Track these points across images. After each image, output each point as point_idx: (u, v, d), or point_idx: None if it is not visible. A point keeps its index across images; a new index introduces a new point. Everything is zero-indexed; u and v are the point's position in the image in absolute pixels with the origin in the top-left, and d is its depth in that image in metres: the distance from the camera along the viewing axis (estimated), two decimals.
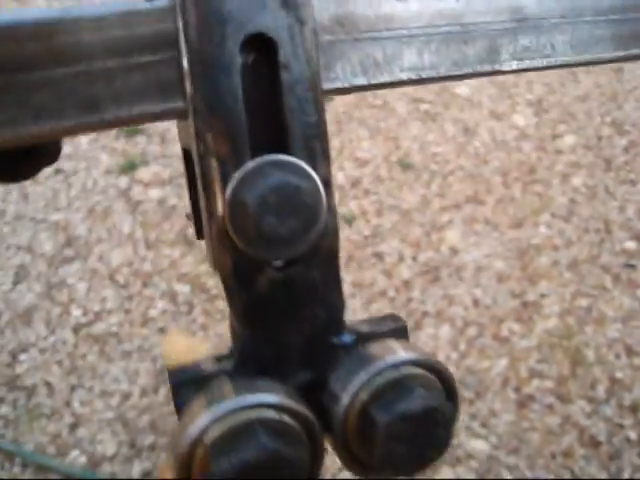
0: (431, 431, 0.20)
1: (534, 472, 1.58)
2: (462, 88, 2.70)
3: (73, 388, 1.71)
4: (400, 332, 0.23)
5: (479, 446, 1.61)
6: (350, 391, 0.21)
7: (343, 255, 2.00)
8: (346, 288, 1.69)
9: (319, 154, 0.21)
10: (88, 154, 2.37)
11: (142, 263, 1.97)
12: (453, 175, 2.32)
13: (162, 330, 1.80)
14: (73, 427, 1.63)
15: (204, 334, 1.79)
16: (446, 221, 2.15)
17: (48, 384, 1.72)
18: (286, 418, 0.20)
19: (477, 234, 2.11)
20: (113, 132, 2.46)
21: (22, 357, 1.79)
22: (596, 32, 0.24)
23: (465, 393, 1.70)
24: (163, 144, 2.40)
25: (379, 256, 2.01)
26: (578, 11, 0.24)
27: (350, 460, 0.22)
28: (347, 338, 0.23)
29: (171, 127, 2.44)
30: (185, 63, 0.19)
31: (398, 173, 2.31)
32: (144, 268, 1.95)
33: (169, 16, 0.19)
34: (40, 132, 0.19)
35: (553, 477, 1.58)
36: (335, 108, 2.57)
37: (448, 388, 0.22)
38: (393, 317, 0.24)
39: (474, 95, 2.67)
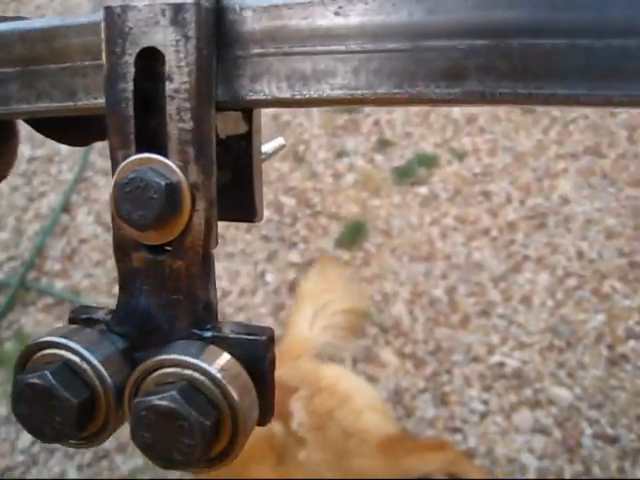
0: (175, 434, 0.20)
1: (615, 430, 1.56)
2: None
3: None
4: (253, 345, 0.23)
5: (562, 394, 1.60)
6: (141, 369, 0.22)
7: (450, 189, 1.99)
8: (449, 222, 1.69)
9: (191, 158, 0.22)
10: None
11: None
12: (575, 123, 2.21)
13: (265, 238, 1.88)
14: None
15: (305, 247, 1.85)
16: (561, 169, 2.07)
17: None
18: (85, 368, 0.22)
19: (592, 187, 2.03)
20: None
21: None
22: None
23: (556, 341, 1.69)
24: None
25: (486, 195, 1.98)
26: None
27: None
28: (207, 333, 0.23)
29: None
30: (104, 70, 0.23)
31: (517, 115, 2.23)
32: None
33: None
34: (38, 110, 0.25)
35: (634, 437, 1.56)
36: None
37: (233, 416, 0.21)
38: (264, 330, 0.24)
39: None
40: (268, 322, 1.72)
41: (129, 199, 0.21)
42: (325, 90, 0.22)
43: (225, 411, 0.21)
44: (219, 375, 0.21)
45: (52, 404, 0.21)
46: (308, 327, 1.50)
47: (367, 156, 2.09)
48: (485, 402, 1.59)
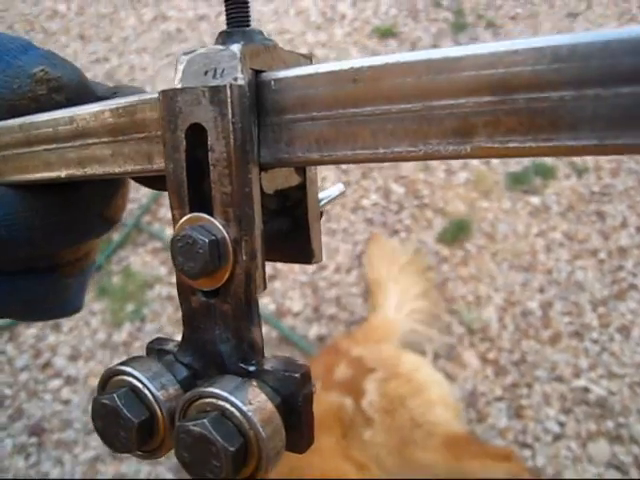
0: (205, 457, 0.23)
1: None
2: None
3: None
4: (289, 381, 0.25)
5: None
6: (186, 397, 0.25)
7: (563, 203, 1.93)
8: (556, 236, 1.64)
9: (232, 217, 0.25)
10: (340, 45, 2.48)
11: None
12: None
13: (369, 221, 1.91)
14: (271, 278, 1.83)
15: (406, 236, 1.86)
16: None
17: None
18: (146, 394, 0.26)
19: None
20: (367, 30, 2.53)
21: None
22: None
23: None
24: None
25: (601, 215, 1.90)
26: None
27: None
28: (252, 368, 0.26)
29: (423, 36, 2.45)
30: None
31: None
32: None
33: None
34: (125, 172, 0.28)
35: None
36: None
37: (259, 445, 0.24)
38: (301, 367, 0.26)
39: None
40: (357, 302, 1.75)
41: (181, 253, 0.25)
42: (348, 151, 0.24)
43: (252, 439, 0.24)
44: (245, 408, 0.24)
45: (119, 421, 0.25)
46: (394, 311, 1.52)
47: None
48: (562, 424, 1.54)
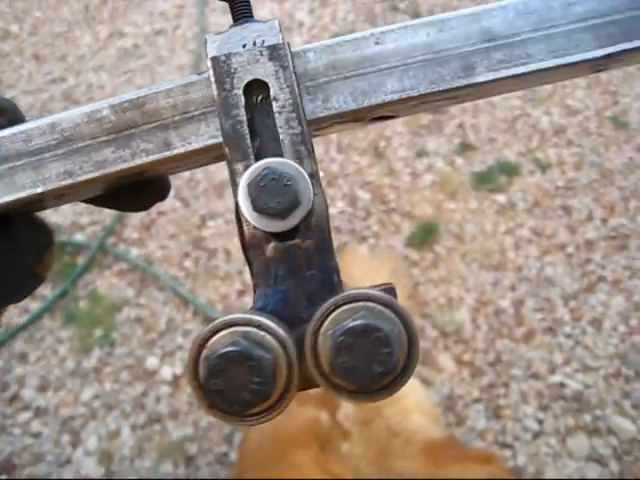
0: (374, 348, 0.23)
1: None
2: None
3: None
4: (387, 290, 0.26)
5: (625, 425, 1.54)
6: (318, 315, 0.25)
7: (529, 199, 1.94)
8: (524, 233, 1.65)
9: (304, 155, 0.27)
10: None
11: (331, 164, 2.05)
12: None
13: (336, 229, 1.89)
14: (240, 293, 1.80)
15: (375, 242, 1.85)
16: None
17: (227, 252, 1.90)
18: (263, 335, 0.25)
19: None
20: (326, 36, 2.53)
21: (210, 223, 1.98)
22: (575, 36, 0.28)
23: (623, 369, 1.61)
24: None
25: (567, 210, 1.91)
26: (550, 22, 0.28)
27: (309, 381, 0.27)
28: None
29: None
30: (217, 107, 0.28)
31: (609, 130, 2.14)
32: (332, 168, 2.04)
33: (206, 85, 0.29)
34: (135, 166, 0.29)
35: None
36: None
37: (407, 330, 0.25)
38: (387, 285, 0.27)
39: None
40: None
41: (265, 191, 0.26)
42: (380, 96, 0.29)
43: (400, 327, 0.25)
44: (387, 297, 0.25)
45: (250, 366, 0.24)
46: None
47: (447, 158, 2.06)
48: (540, 421, 1.54)
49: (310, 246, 0.27)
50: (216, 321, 0.25)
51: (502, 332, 1.67)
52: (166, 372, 1.69)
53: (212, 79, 0.28)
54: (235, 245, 1.91)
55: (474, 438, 1.52)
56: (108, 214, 2.04)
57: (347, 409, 1.28)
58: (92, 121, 0.28)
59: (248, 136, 0.27)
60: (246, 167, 0.27)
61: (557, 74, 0.30)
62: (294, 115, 0.28)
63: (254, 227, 0.27)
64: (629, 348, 1.65)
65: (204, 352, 0.25)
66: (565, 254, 1.82)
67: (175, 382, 1.67)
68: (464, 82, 0.28)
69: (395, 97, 0.28)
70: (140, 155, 0.28)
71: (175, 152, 0.28)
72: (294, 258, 0.27)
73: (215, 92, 0.28)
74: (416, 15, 2.59)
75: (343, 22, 2.59)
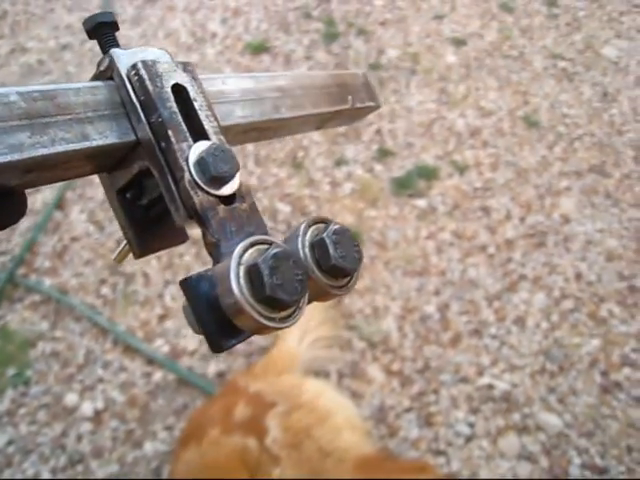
0: (350, 246, 0.32)
1: (604, 460, 1.51)
2: (609, 49, 2.49)
3: (167, 283, 1.81)
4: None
5: (551, 420, 1.56)
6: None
7: (449, 202, 1.95)
8: (446, 236, 1.65)
9: (224, 141, 0.34)
10: (213, 65, 2.41)
11: (249, 177, 2.01)
12: (581, 141, 2.17)
13: None
14: (162, 318, 1.73)
15: None
16: (563, 187, 2.03)
17: (145, 275, 1.83)
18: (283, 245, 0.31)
19: (594, 206, 1.98)
20: (239, 47, 2.48)
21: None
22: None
23: (548, 365, 1.64)
24: (287, 65, 2.39)
25: (486, 210, 1.94)
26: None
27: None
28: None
29: (296, 49, 2.43)
30: (138, 106, 0.33)
31: (522, 129, 2.19)
32: (250, 182, 1.99)
33: (116, 91, 0.34)
34: (56, 152, 0.30)
35: (624, 469, 1.52)
36: (466, 52, 2.45)
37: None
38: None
39: (622, 59, 2.46)
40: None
41: (220, 160, 0.31)
42: (235, 119, 0.39)
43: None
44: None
45: (294, 261, 0.29)
46: (297, 341, 1.46)
47: (366, 165, 2.05)
48: (471, 425, 1.55)
49: (246, 208, 0.33)
50: (241, 244, 0.29)
51: (429, 338, 1.67)
52: (87, 408, 1.60)
53: (144, 76, 0.33)
54: (154, 268, 1.84)
55: (408, 448, 1.51)
56: (17, 243, 1.92)
57: (275, 433, 1.24)
58: (2, 104, 0.28)
59: (183, 123, 0.33)
60: (189, 146, 0.32)
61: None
62: (209, 112, 0.34)
63: (207, 192, 0.32)
64: (552, 344, 1.68)
65: (251, 266, 0.28)
66: (486, 255, 1.84)
67: (97, 417, 1.59)
68: (276, 116, 0.41)
69: (242, 121, 0.39)
70: (60, 143, 0.30)
71: (95, 144, 0.31)
72: (238, 217, 0.32)
73: (149, 87, 0.33)
74: (329, 24, 2.58)
75: (256, 31, 2.55)
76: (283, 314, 0.29)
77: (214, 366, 1.63)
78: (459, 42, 2.50)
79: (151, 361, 1.65)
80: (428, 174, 2.02)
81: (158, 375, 1.63)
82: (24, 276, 1.86)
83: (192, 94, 0.34)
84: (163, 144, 0.32)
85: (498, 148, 2.12)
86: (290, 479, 1.25)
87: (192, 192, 0.31)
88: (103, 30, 0.36)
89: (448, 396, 1.59)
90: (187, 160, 0.31)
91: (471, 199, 1.97)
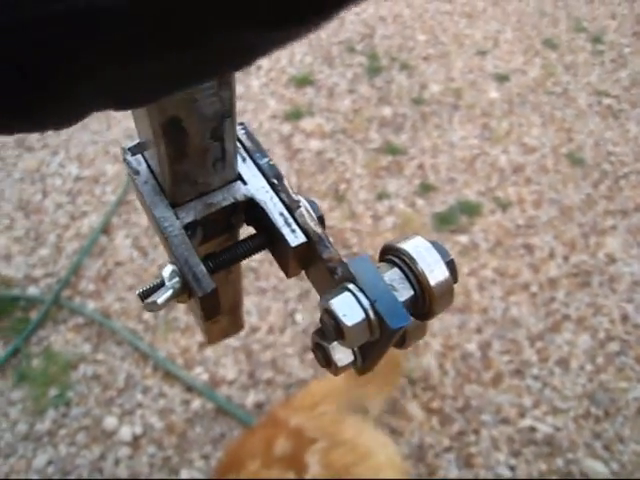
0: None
1: None
2: None
3: None
4: None
5: (597, 468, 1.52)
6: None
7: (491, 239, 1.94)
8: (488, 273, 1.63)
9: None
10: (258, 97, 2.46)
11: None
12: (626, 179, 2.14)
13: (298, 276, 1.85)
14: (202, 346, 1.74)
15: None
16: (609, 226, 1.99)
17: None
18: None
19: None
20: (284, 79, 2.53)
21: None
22: None
23: (593, 409, 1.60)
24: (330, 98, 2.42)
25: (529, 248, 1.92)
26: None
27: None
28: None
29: (340, 82, 2.46)
30: None
31: (565, 167, 2.17)
32: None
33: None
34: None
35: None
36: (509, 88, 2.46)
37: None
38: None
39: None
40: (294, 363, 1.69)
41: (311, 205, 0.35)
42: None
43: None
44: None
45: None
46: (343, 376, 1.44)
47: (408, 200, 2.06)
48: (512, 468, 1.51)
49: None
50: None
51: (470, 377, 1.65)
52: (125, 432, 1.61)
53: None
54: None
55: None
56: (63, 266, 1.97)
57: (315, 470, 1.23)
58: None
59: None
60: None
61: None
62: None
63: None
64: (597, 387, 1.64)
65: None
66: (529, 293, 1.81)
67: (135, 442, 1.59)
68: None
69: None
70: None
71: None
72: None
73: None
74: (372, 58, 2.62)
75: (300, 64, 2.60)
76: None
77: (253, 396, 1.63)
78: (502, 78, 2.51)
79: (190, 388, 1.66)
80: (470, 210, 2.01)
81: (197, 403, 1.63)
82: (69, 298, 1.89)
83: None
84: (275, 181, 0.35)
85: (541, 185, 2.10)
86: None
87: (309, 218, 0.33)
88: None
89: (489, 437, 1.55)
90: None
91: (514, 236, 1.95)
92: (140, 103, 0.23)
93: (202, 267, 0.32)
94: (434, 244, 0.31)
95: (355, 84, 2.50)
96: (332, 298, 0.29)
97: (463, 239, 1.94)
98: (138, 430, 1.61)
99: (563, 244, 1.94)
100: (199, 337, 1.76)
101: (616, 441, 1.54)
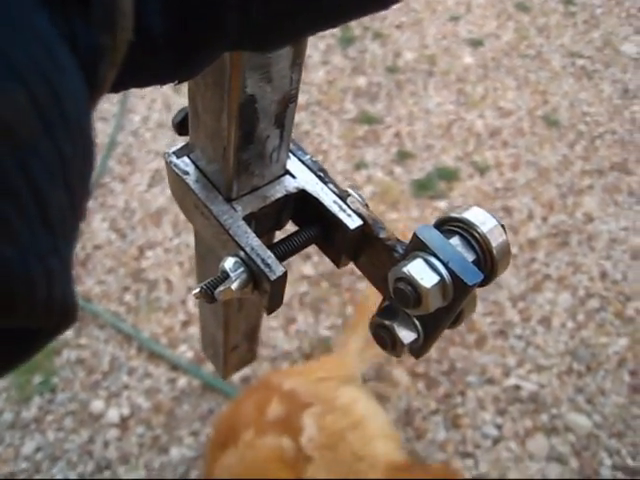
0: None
1: (636, 461, 1.49)
2: (628, 46, 2.47)
3: (189, 289, 1.81)
4: None
5: (580, 421, 1.54)
6: None
7: (470, 203, 1.94)
8: None
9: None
10: None
11: None
12: (602, 139, 2.15)
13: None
14: (185, 324, 1.74)
15: (318, 260, 1.82)
16: (586, 186, 2.01)
17: (168, 281, 1.84)
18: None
19: (617, 205, 1.96)
20: None
21: (148, 253, 1.91)
22: None
23: (575, 365, 1.62)
24: (304, 70, 2.39)
25: (508, 211, 1.93)
26: None
27: None
28: None
29: (313, 54, 2.43)
30: None
31: (541, 129, 2.17)
32: None
33: None
34: None
35: None
36: (483, 53, 2.44)
37: None
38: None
39: None
40: (279, 335, 1.69)
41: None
42: None
43: None
44: None
45: None
46: (356, 355, 1.40)
47: (386, 168, 2.05)
48: (499, 426, 1.53)
49: None
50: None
51: (454, 340, 1.66)
52: (113, 414, 1.61)
53: None
54: (176, 274, 1.84)
55: (435, 451, 1.50)
56: None
57: (311, 432, 1.23)
58: None
59: None
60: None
61: None
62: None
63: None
64: (579, 343, 1.66)
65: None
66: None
67: (123, 424, 1.59)
68: None
69: None
70: None
71: None
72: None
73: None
74: (345, 28, 2.59)
75: None
76: None
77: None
78: (476, 43, 2.49)
79: (175, 367, 1.65)
80: (448, 175, 2.01)
81: (183, 381, 1.63)
82: None
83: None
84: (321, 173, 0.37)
85: (518, 148, 2.11)
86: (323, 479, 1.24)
87: (360, 204, 0.35)
88: None
89: (475, 398, 1.57)
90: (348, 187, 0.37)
91: (492, 199, 1.96)
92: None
93: (270, 253, 0.33)
94: (487, 211, 0.32)
95: (328, 55, 2.47)
96: (405, 266, 0.29)
97: (442, 205, 1.94)
98: (125, 411, 1.61)
99: (541, 205, 1.95)
100: (182, 316, 1.75)
101: (598, 394, 1.57)
